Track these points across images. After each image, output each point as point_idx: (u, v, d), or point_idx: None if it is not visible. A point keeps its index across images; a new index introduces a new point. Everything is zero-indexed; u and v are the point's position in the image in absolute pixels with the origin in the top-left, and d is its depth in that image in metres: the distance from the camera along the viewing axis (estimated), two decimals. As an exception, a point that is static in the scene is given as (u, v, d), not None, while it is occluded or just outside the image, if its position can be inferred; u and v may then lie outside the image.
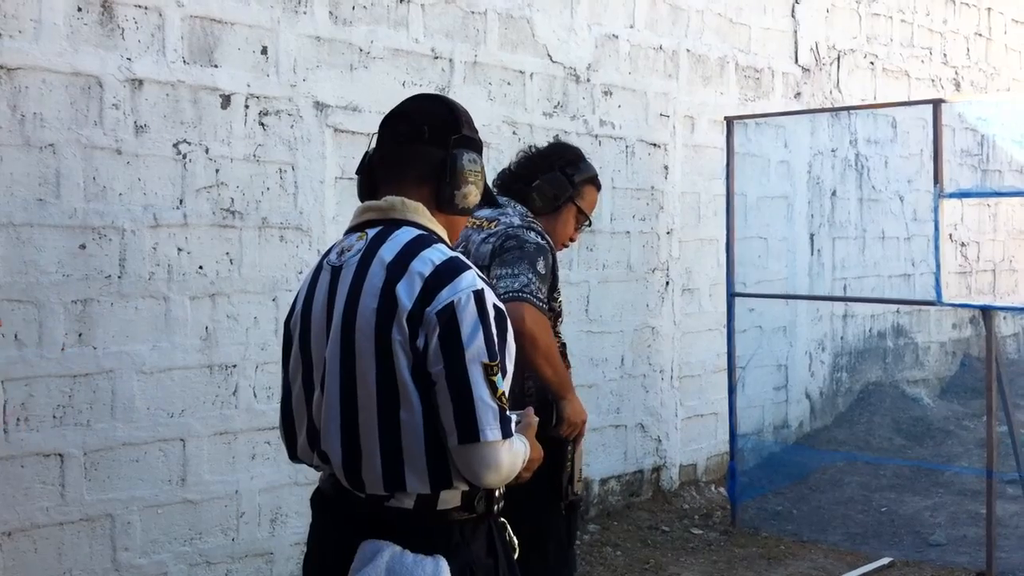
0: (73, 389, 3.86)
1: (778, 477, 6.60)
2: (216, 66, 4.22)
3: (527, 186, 3.25)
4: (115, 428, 3.95)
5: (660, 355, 6.26)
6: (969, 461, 7.00)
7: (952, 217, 8.63)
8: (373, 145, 2.27)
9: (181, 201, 4.12)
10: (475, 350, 1.98)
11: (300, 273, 4.47)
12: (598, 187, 3.51)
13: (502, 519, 2.21)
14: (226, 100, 4.25)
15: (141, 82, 4.02)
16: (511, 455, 2.04)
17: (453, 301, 1.99)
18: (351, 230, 2.20)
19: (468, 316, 1.99)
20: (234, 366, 4.27)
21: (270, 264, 4.38)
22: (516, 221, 3.14)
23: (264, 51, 4.37)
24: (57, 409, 3.82)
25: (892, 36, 8.31)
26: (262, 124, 4.36)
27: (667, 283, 6.30)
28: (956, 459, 7.17)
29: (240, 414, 4.29)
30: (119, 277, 3.96)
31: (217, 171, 4.22)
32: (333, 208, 4.57)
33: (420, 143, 2.17)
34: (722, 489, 6.34)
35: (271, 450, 4.38)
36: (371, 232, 2.13)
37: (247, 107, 4.31)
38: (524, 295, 2.93)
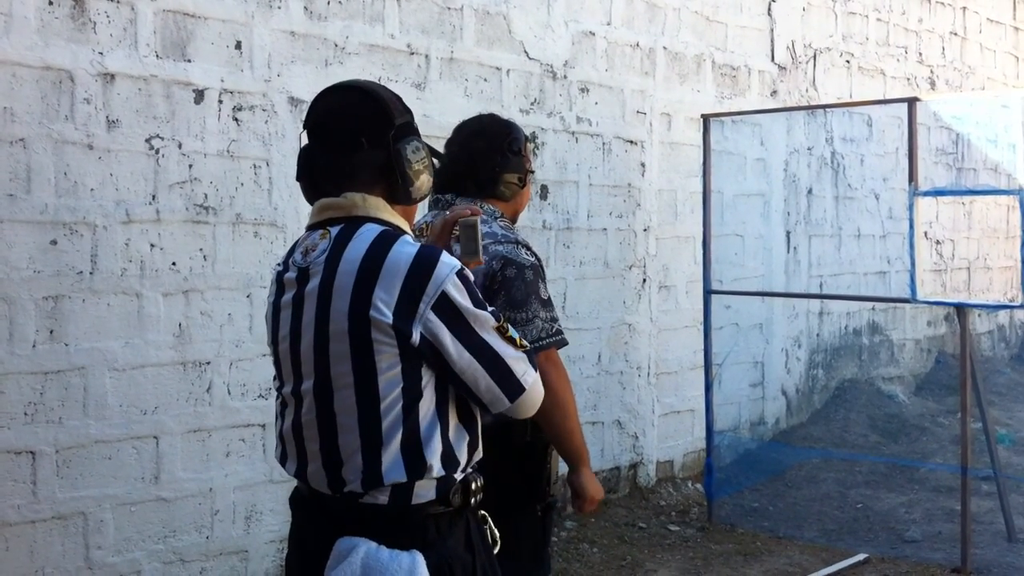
0: (44, 386, 3.82)
1: (754, 474, 6.61)
2: (189, 61, 4.19)
3: (490, 183, 3.12)
4: (87, 425, 3.91)
5: (637, 352, 6.26)
6: (944, 458, 7.03)
7: (927, 215, 8.68)
8: (304, 142, 2.20)
9: (154, 197, 4.09)
10: (483, 323, 2.06)
11: (275, 269, 4.44)
12: (528, 138, 3.39)
13: (482, 512, 2.20)
14: (199, 95, 4.22)
15: (113, 76, 3.99)
16: (539, 377, 2.18)
17: (443, 291, 2.01)
18: (312, 227, 2.16)
19: (462, 298, 2.03)
20: (208, 363, 4.24)
21: (244, 260, 4.36)
22: (498, 231, 3.00)
23: (238, 46, 4.34)
24: (28, 406, 3.78)
25: (868, 35, 8.35)
26: (236, 119, 4.33)
27: (644, 280, 6.31)
28: (931, 456, 7.21)
29: (214, 411, 4.26)
30: (91, 273, 3.93)
31: (190, 166, 4.19)
32: (308, 204, 4.53)
33: (360, 152, 2.11)
34: (699, 485, 6.35)
35: (245, 447, 4.36)
36: (334, 230, 2.10)
37: (221, 102, 4.28)
38: (543, 343, 2.88)
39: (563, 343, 2.95)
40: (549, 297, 2.98)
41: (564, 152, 5.79)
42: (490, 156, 3.05)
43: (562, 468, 3.13)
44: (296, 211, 4.51)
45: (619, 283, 6.15)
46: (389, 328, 1.99)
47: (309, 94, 4.55)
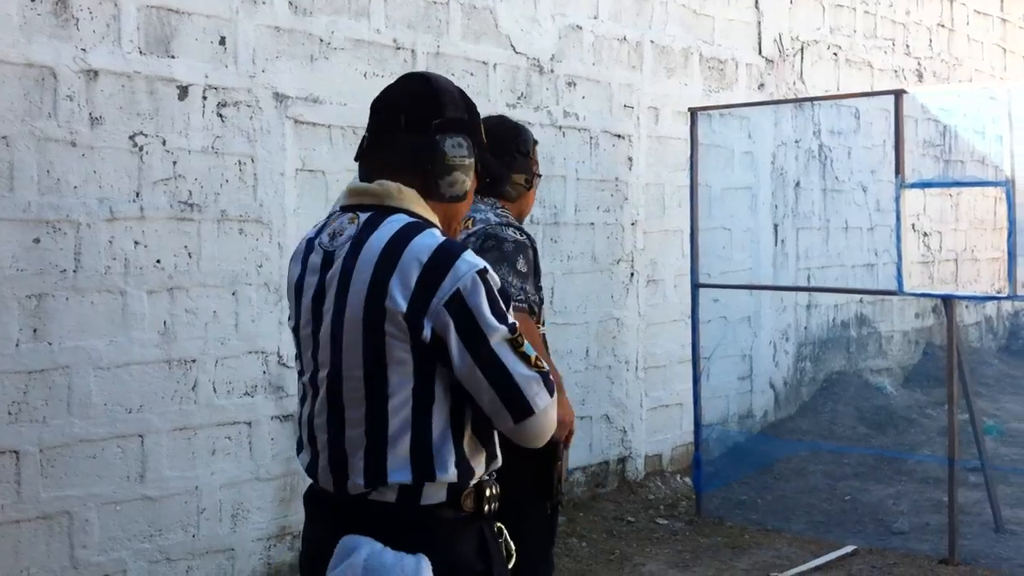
0: (28, 385, 3.80)
1: (743, 466, 6.62)
2: (173, 57, 4.16)
3: (496, 182, 3.22)
4: (72, 424, 3.89)
5: (625, 346, 6.26)
6: (931, 449, 7.06)
7: (915, 207, 8.69)
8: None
9: (138, 194, 4.06)
10: (497, 332, 1.94)
11: (260, 267, 4.42)
12: (537, 142, 3.52)
13: (498, 524, 2.12)
14: (183, 91, 4.19)
15: (96, 73, 3.96)
16: (555, 406, 2.04)
17: (459, 288, 1.92)
18: (343, 209, 2.11)
19: (478, 301, 1.93)
20: (193, 361, 4.22)
21: (229, 257, 4.34)
22: (492, 218, 3.13)
23: (222, 41, 4.32)
24: (12, 406, 3.76)
25: (855, 27, 8.35)
26: (220, 116, 4.31)
27: (632, 274, 6.30)
28: (919, 447, 7.23)
29: (200, 409, 4.24)
30: (74, 271, 3.90)
31: (174, 163, 4.17)
32: (294, 200, 4.53)
33: (400, 132, 2.08)
34: (687, 479, 6.36)
35: (232, 445, 4.34)
36: (363, 216, 2.05)
37: (205, 98, 4.26)
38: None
39: (527, 308, 2.99)
40: (528, 273, 3.04)
41: (551, 147, 5.78)
42: (498, 156, 3.10)
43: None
44: (281, 207, 4.49)
45: (607, 277, 6.15)
46: (402, 319, 1.91)
47: (294, 89, 4.54)
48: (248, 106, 4.39)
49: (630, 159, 6.27)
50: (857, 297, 8.41)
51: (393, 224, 2.00)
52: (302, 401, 2.12)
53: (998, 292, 9.52)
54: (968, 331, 9.90)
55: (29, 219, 3.79)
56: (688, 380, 6.15)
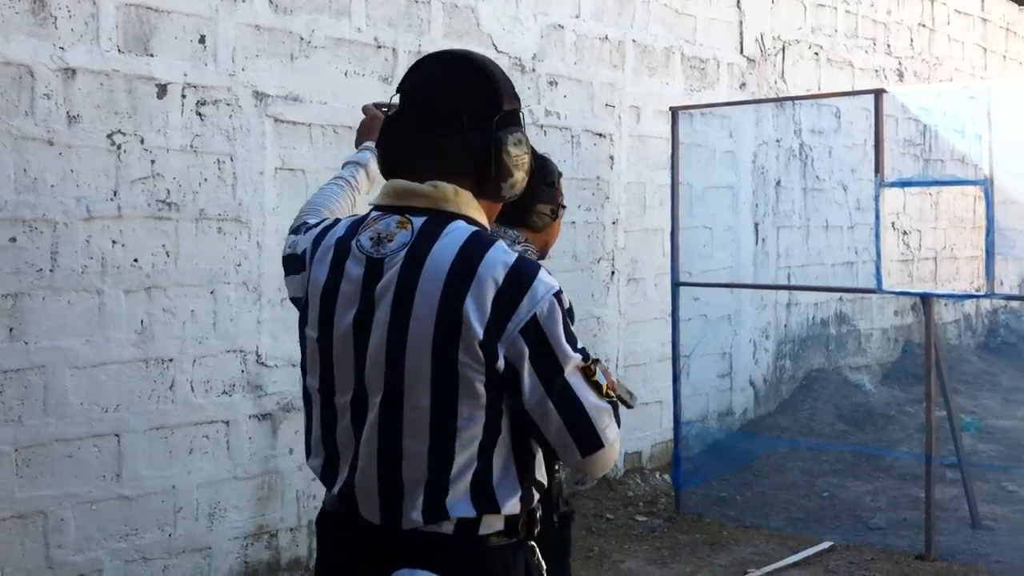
0: (4, 385, 3.78)
1: (722, 464, 6.66)
2: (152, 55, 4.15)
3: (523, 211, 3.21)
4: (48, 424, 3.88)
5: (606, 344, 6.28)
6: (909, 446, 7.10)
7: (894, 206, 8.74)
8: (395, 106, 1.99)
9: (115, 193, 4.05)
10: (571, 361, 1.79)
11: (239, 266, 4.41)
12: (561, 174, 3.52)
13: (531, 542, 1.98)
14: (162, 90, 4.18)
15: (74, 72, 3.94)
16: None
17: (536, 314, 1.76)
18: (385, 209, 1.90)
19: (555, 327, 1.78)
20: (171, 360, 4.21)
21: (208, 256, 4.33)
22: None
23: (202, 40, 4.30)
24: (-12, 405, 3.75)
25: (836, 27, 8.39)
26: (199, 114, 4.30)
27: (613, 273, 6.32)
28: (897, 444, 7.28)
29: (177, 409, 4.24)
30: (51, 270, 3.89)
31: (153, 162, 4.16)
32: (273, 199, 4.52)
33: (462, 131, 1.88)
34: (666, 476, 6.39)
35: (209, 444, 4.34)
36: (417, 221, 1.84)
37: (184, 97, 4.24)
38: None
39: None
40: None
41: (533, 145, 5.77)
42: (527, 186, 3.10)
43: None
44: (260, 207, 4.48)
45: (588, 276, 6.16)
46: (478, 348, 1.74)
47: (274, 88, 4.53)
48: (227, 104, 4.38)
49: (611, 158, 6.29)
50: (837, 295, 8.45)
51: (457, 234, 1.82)
52: (323, 416, 1.92)
53: (976, 290, 9.57)
54: (947, 329, 9.96)
55: (5, 218, 3.78)
56: (668, 378, 6.17)
